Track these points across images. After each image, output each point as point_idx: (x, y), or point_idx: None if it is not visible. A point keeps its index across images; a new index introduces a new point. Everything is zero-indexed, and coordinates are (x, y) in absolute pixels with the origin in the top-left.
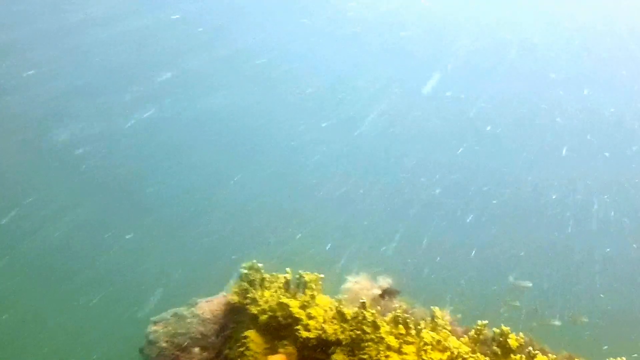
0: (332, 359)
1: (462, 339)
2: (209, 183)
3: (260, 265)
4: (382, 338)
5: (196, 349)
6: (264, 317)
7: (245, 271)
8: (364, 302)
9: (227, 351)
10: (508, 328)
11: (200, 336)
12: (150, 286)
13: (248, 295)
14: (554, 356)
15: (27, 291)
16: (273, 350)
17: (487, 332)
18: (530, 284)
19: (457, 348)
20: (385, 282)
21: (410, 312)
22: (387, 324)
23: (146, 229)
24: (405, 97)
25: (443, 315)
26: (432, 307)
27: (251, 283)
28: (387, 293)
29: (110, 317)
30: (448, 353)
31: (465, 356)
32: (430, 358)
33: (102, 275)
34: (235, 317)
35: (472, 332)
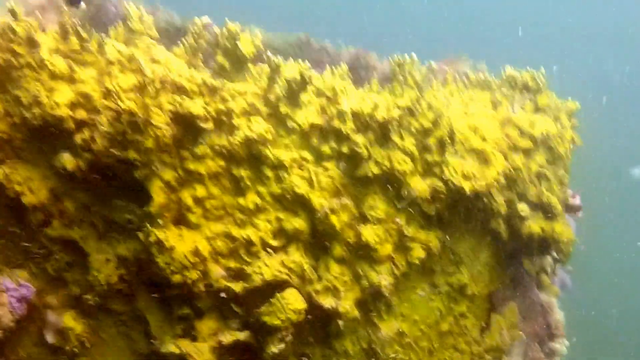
0: None
1: (176, 49)
2: None
3: None
4: (44, 61)
5: None
6: None
7: None
8: (12, 9)
9: None
10: (237, 26)
11: None
12: None
13: None
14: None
15: None
16: None
17: (212, 37)
18: None
19: (164, 64)
20: None
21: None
22: (53, 40)
23: None
24: None
25: (141, 15)
26: (127, 3)
27: None
28: None
29: None
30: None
31: (178, 79)
32: (118, 83)
33: None
34: None
35: (190, 39)
